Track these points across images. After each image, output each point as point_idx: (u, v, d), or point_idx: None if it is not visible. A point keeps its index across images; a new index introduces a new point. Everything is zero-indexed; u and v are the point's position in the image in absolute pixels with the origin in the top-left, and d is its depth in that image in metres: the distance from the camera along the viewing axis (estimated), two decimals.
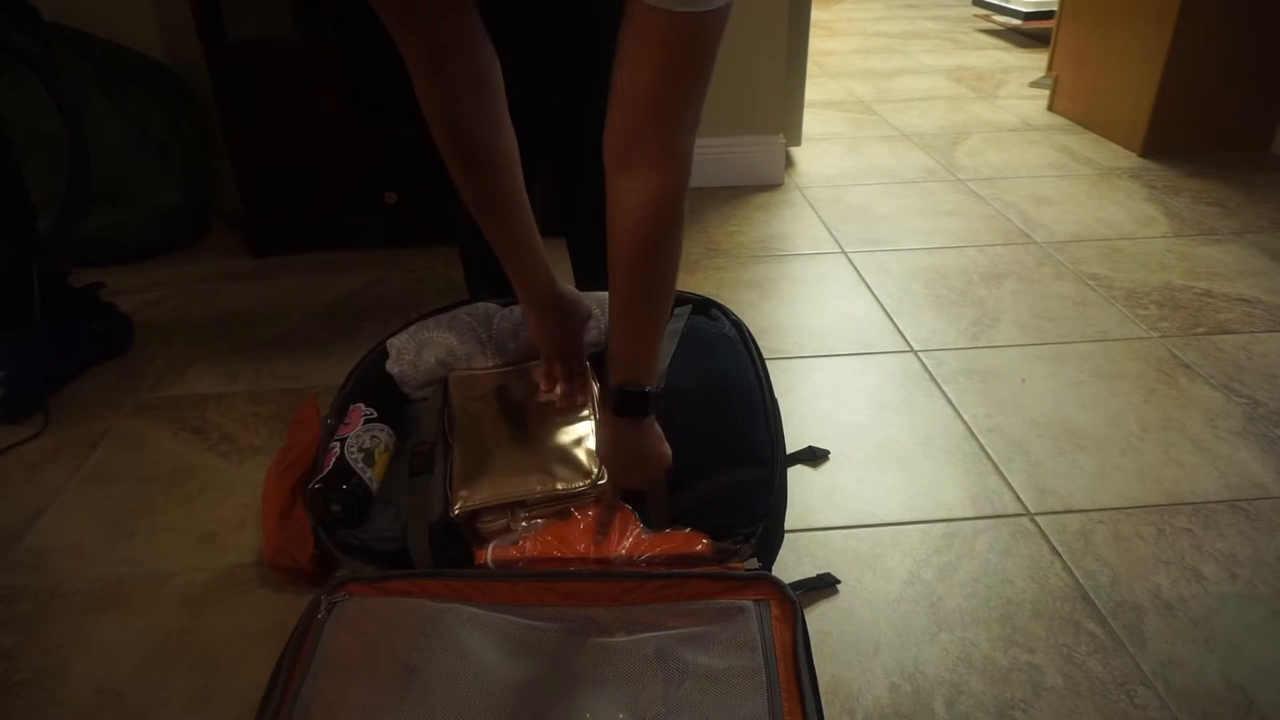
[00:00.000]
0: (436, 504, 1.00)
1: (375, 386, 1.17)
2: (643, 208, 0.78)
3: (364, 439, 1.06)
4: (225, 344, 1.57)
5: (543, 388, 1.11)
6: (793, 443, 1.23)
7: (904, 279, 1.74)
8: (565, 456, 1.03)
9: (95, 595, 1.02)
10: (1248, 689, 0.88)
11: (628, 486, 0.97)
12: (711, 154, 2.21)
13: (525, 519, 0.98)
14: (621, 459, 0.94)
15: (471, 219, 1.35)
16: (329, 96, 1.78)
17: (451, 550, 0.97)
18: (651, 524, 0.98)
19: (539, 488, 0.99)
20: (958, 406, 1.34)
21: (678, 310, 1.24)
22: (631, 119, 0.76)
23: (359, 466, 1.03)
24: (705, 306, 1.31)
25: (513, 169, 0.95)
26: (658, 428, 0.93)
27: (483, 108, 0.90)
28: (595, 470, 1.01)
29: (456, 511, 0.98)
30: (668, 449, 0.94)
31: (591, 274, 1.40)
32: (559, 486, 0.99)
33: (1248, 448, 1.23)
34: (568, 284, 1.14)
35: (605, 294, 1.23)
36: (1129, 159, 2.38)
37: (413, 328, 1.22)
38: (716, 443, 1.04)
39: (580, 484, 0.99)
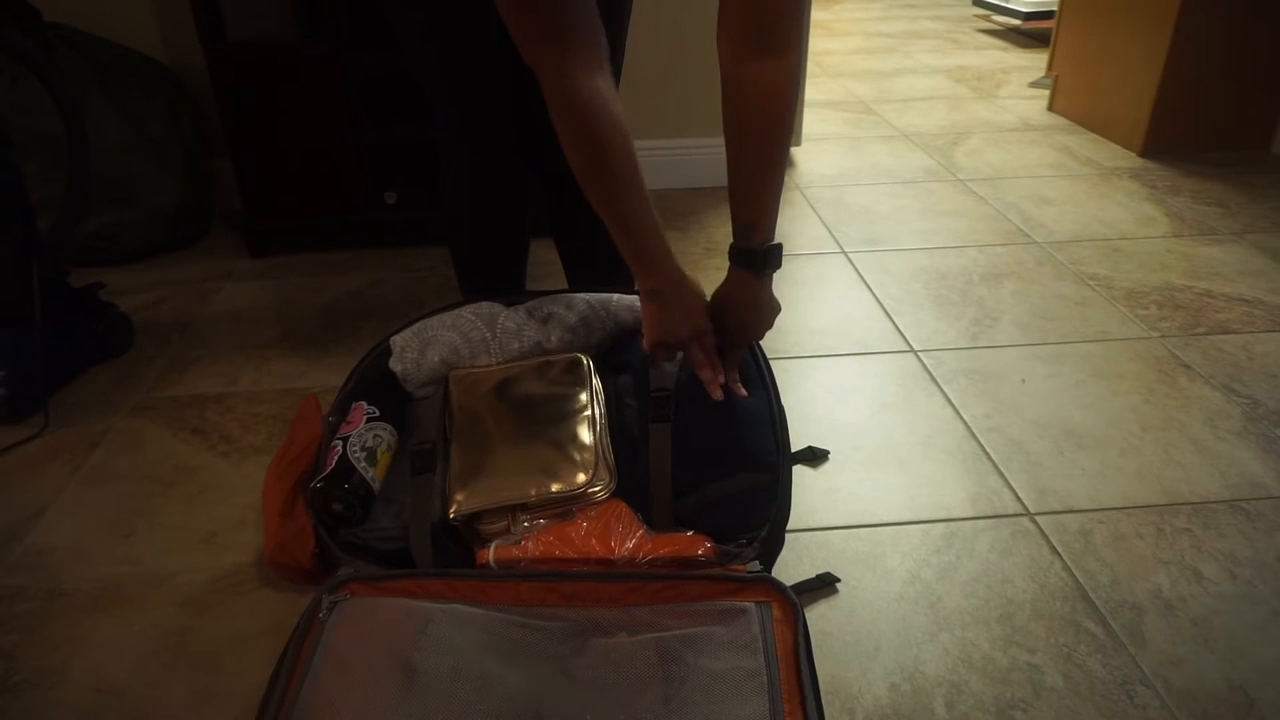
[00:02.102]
0: (437, 504, 1.00)
1: (378, 385, 1.17)
2: (776, 86, 0.91)
3: (366, 438, 1.06)
4: (225, 344, 1.57)
5: (709, 380, 1.07)
6: (793, 443, 1.23)
7: (904, 279, 1.74)
8: (564, 456, 1.03)
9: (95, 595, 1.02)
10: (1248, 689, 0.88)
11: (753, 339, 1.10)
12: (711, 154, 2.21)
13: (527, 520, 0.98)
14: (751, 311, 1.05)
15: (461, 223, 1.35)
16: (329, 96, 1.78)
17: (453, 550, 0.97)
18: (655, 526, 0.98)
19: (534, 491, 0.99)
20: (958, 406, 1.34)
21: None
22: (762, 13, 0.89)
23: (361, 465, 1.03)
24: None
25: (633, 149, 0.94)
26: (771, 285, 1.05)
27: (609, 87, 0.91)
28: (592, 470, 1.01)
29: (452, 515, 0.98)
30: (776, 304, 1.08)
31: (585, 276, 1.39)
32: (554, 488, 0.99)
33: (1248, 448, 1.23)
34: (577, 285, 1.15)
35: (604, 295, 1.24)
36: (1129, 159, 2.39)
37: (416, 325, 1.22)
38: (724, 448, 1.04)
39: (578, 484, 0.99)
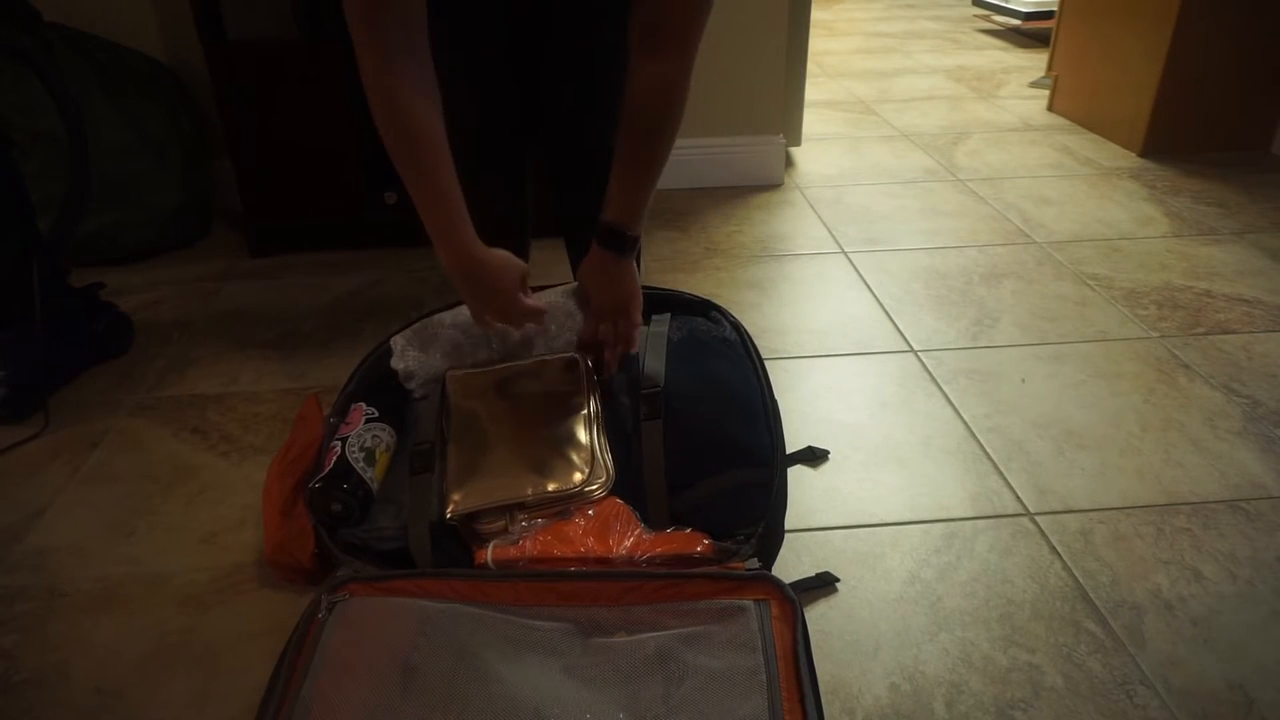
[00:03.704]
0: (436, 504, 1.00)
1: (378, 385, 1.17)
2: (660, 85, 1.00)
3: (365, 438, 1.06)
4: (225, 344, 1.57)
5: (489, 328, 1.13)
6: (793, 443, 1.23)
7: (904, 279, 1.74)
8: (561, 455, 1.03)
9: (95, 595, 1.02)
10: (1248, 689, 0.88)
11: (621, 319, 1.14)
12: (711, 154, 2.21)
13: (524, 520, 0.98)
14: (601, 287, 1.13)
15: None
16: (329, 96, 1.78)
17: (452, 550, 0.97)
18: (652, 524, 0.98)
19: (530, 490, 0.99)
20: (958, 406, 1.34)
21: (659, 316, 1.24)
22: (662, 13, 0.96)
23: (360, 466, 1.03)
24: (705, 309, 1.31)
25: (440, 138, 0.98)
26: (634, 267, 1.12)
27: (419, 80, 0.94)
28: (589, 469, 1.01)
29: (449, 516, 0.98)
30: (639, 288, 1.14)
31: None
32: (550, 488, 0.99)
33: (1248, 448, 1.23)
34: (570, 280, 1.15)
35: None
36: (1129, 159, 2.39)
37: (416, 325, 1.22)
38: (717, 444, 1.04)
39: (575, 483, 0.99)
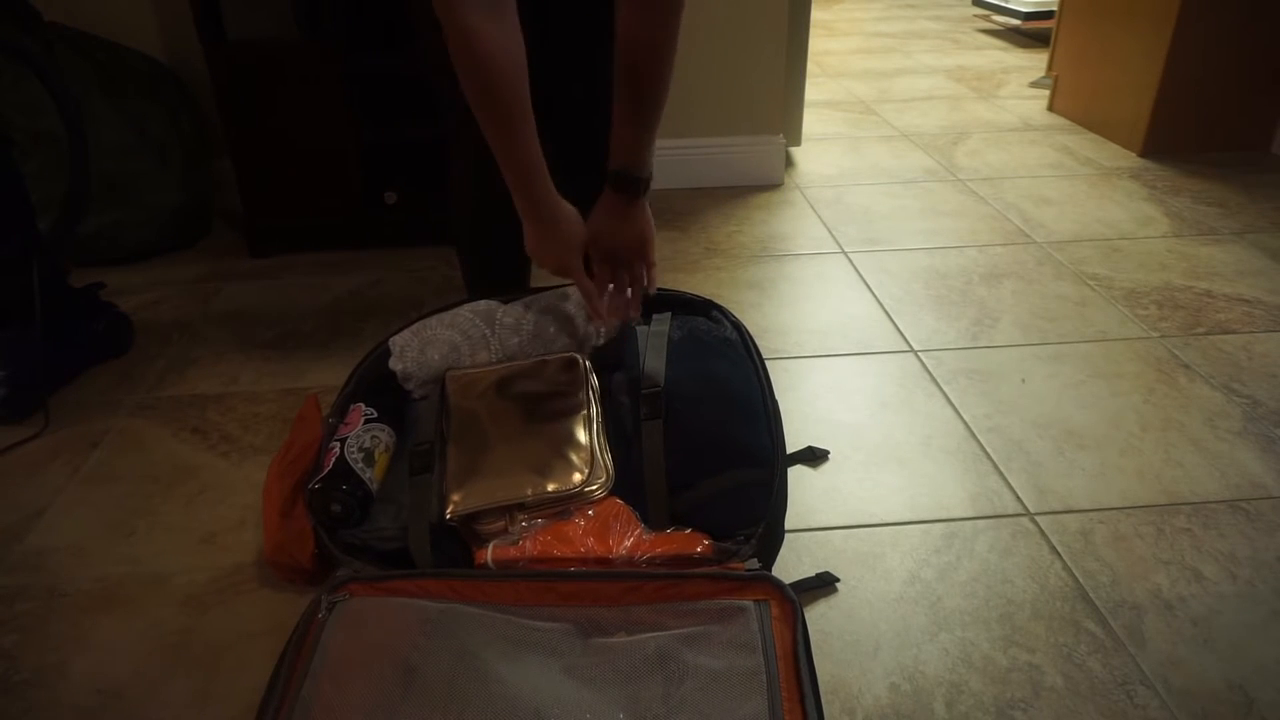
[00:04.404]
0: (436, 504, 1.00)
1: (377, 386, 1.17)
2: (655, 23, 1.01)
3: (364, 439, 1.06)
4: (225, 344, 1.57)
5: (593, 313, 1.17)
6: (793, 443, 1.23)
7: (904, 279, 1.74)
8: (560, 455, 1.03)
9: (95, 595, 1.02)
10: (1248, 689, 0.88)
11: (636, 258, 1.16)
12: (711, 154, 2.21)
13: (524, 520, 0.98)
14: (616, 231, 1.14)
15: (469, 221, 1.35)
16: (329, 96, 1.78)
17: (452, 550, 0.97)
18: (652, 525, 0.98)
19: (530, 491, 0.99)
20: (958, 406, 1.34)
21: (659, 315, 1.24)
22: None
23: (359, 467, 1.03)
24: (706, 308, 1.31)
25: (524, 89, 1.00)
26: (647, 208, 1.14)
27: (506, 28, 0.96)
28: (589, 469, 1.01)
29: (449, 516, 0.98)
30: (653, 228, 1.16)
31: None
32: (550, 488, 0.99)
33: (1248, 448, 1.23)
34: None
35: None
36: (1129, 159, 2.39)
37: (415, 325, 1.22)
38: (717, 444, 1.04)
39: (574, 484, 0.99)
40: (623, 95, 1.06)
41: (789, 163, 2.41)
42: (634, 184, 1.11)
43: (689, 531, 0.97)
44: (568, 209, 1.12)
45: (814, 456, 1.23)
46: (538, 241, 1.12)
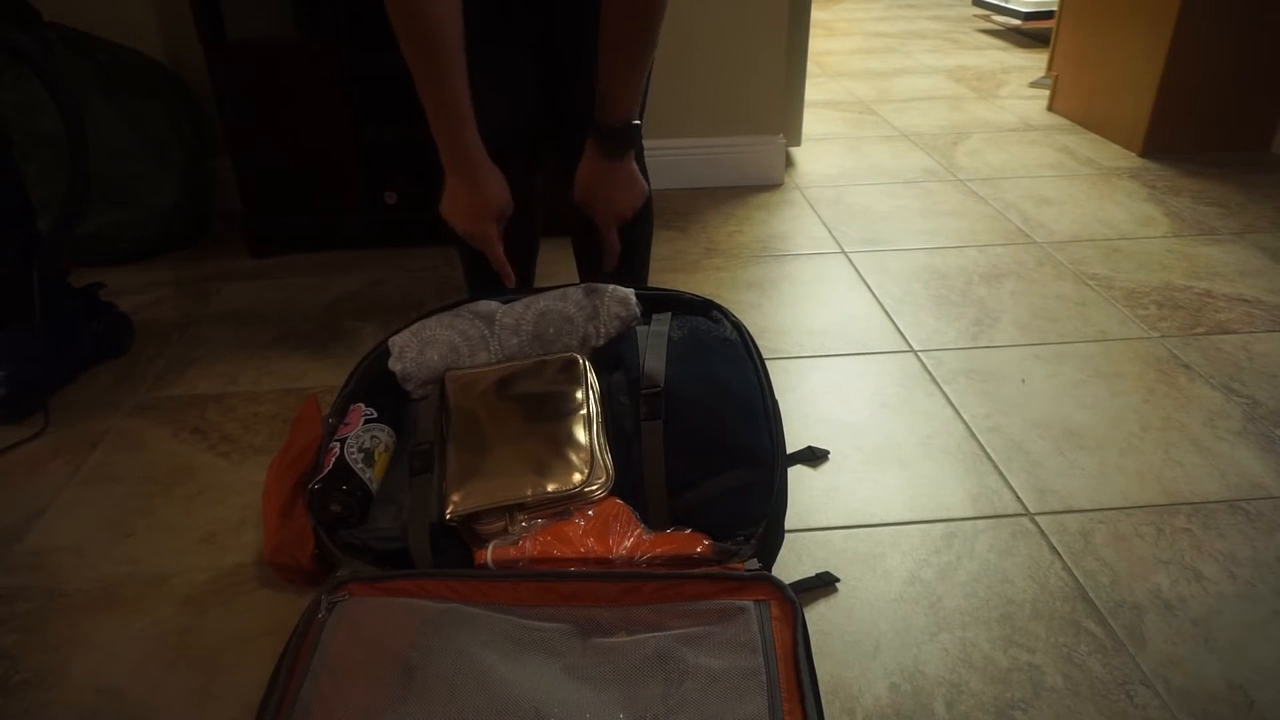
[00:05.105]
0: (435, 504, 1.00)
1: (377, 386, 1.17)
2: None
3: (364, 439, 1.06)
4: (225, 344, 1.57)
5: (506, 281, 1.17)
6: (793, 443, 1.23)
7: (904, 279, 1.74)
8: (560, 455, 1.03)
9: (95, 595, 1.02)
10: (1248, 689, 0.88)
11: (616, 217, 1.15)
12: (711, 154, 2.21)
13: (524, 520, 0.98)
14: (609, 195, 1.13)
15: None
16: (329, 96, 1.78)
17: (452, 550, 0.97)
18: (652, 525, 0.98)
19: (530, 491, 0.99)
20: (958, 406, 1.34)
21: (659, 315, 1.24)
22: None
23: (358, 467, 1.03)
24: (706, 308, 1.31)
25: (456, 30, 0.98)
26: (635, 167, 1.13)
27: None
28: (589, 469, 1.00)
29: (449, 516, 0.98)
30: (644, 185, 1.14)
31: (595, 270, 1.39)
32: (550, 488, 0.99)
33: (1248, 448, 1.23)
34: (575, 279, 1.17)
35: (600, 285, 1.24)
36: (1129, 159, 2.39)
37: (415, 325, 1.22)
38: (717, 444, 1.04)
39: (574, 484, 0.99)
40: (610, 39, 1.04)
41: (789, 163, 2.41)
42: (621, 136, 1.08)
43: (689, 532, 0.97)
44: (494, 171, 1.09)
45: (814, 456, 1.23)
46: (453, 199, 1.09)
